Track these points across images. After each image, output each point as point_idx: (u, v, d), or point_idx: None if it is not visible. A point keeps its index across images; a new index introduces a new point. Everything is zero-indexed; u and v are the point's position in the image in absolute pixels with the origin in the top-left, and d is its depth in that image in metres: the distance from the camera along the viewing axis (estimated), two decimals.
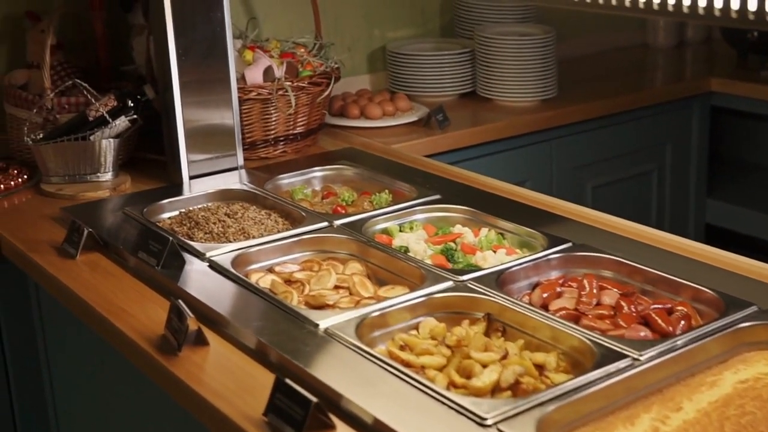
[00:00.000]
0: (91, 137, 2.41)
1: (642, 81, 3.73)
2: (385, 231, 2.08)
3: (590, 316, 1.65)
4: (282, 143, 2.67)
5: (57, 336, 2.27)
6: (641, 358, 1.45)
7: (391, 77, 3.35)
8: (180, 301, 1.61)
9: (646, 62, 3.97)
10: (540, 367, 1.51)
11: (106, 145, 2.41)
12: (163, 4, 2.32)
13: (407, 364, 1.51)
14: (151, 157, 2.64)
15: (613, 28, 4.02)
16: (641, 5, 1.44)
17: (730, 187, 3.81)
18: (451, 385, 1.46)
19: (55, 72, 2.60)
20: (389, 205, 2.22)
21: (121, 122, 2.43)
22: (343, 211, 2.20)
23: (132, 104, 2.44)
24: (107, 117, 2.41)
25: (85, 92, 2.47)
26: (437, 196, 2.21)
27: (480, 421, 1.32)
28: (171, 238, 1.87)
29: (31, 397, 2.35)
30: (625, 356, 1.46)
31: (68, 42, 2.72)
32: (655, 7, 1.44)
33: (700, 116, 3.60)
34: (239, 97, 2.51)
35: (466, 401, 1.36)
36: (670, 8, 1.40)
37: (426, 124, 3.01)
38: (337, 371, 1.48)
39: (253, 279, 1.86)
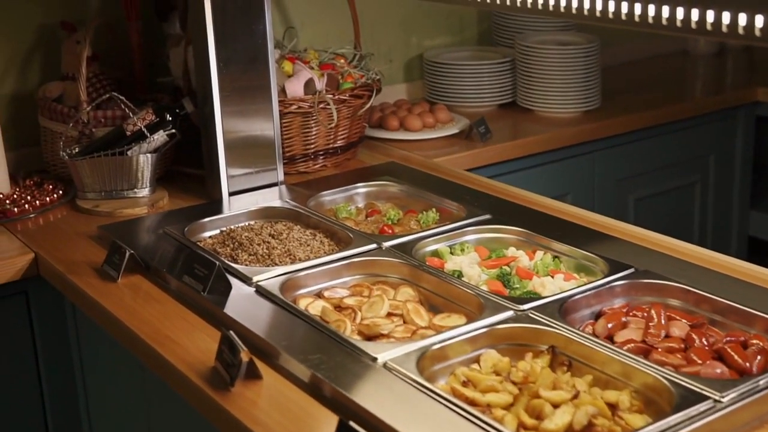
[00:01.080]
0: (129, 152, 2.34)
1: (685, 90, 3.64)
2: (435, 253, 2.01)
3: (660, 350, 1.57)
4: (322, 157, 2.60)
5: (94, 358, 2.20)
6: (723, 400, 1.37)
7: (429, 87, 3.28)
8: (231, 332, 1.54)
9: (686, 70, 3.88)
10: (612, 407, 1.43)
11: (144, 161, 2.35)
12: (204, 15, 2.25)
13: (472, 402, 1.44)
14: (187, 171, 2.57)
15: (652, 35, 3.93)
16: (679, 23, 1.38)
17: None
18: (521, 426, 1.38)
19: (91, 84, 2.53)
20: (437, 224, 2.15)
21: (160, 137, 2.37)
22: (390, 232, 2.12)
23: (170, 118, 2.37)
24: (145, 131, 2.34)
25: (122, 105, 2.41)
26: (487, 216, 2.13)
27: None
28: (218, 263, 1.80)
29: (66, 421, 2.29)
30: (705, 398, 1.38)
31: (103, 53, 2.65)
32: (694, 26, 1.37)
33: (745, 126, 3.51)
34: (279, 110, 2.44)
35: None
36: (710, 27, 1.34)
37: (467, 137, 2.93)
38: (399, 410, 1.40)
39: (302, 305, 1.79)
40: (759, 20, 1.25)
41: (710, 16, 1.30)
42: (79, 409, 2.28)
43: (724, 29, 1.30)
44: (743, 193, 3.59)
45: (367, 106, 2.62)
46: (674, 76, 3.77)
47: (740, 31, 1.27)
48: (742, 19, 1.27)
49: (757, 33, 1.26)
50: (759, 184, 3.66)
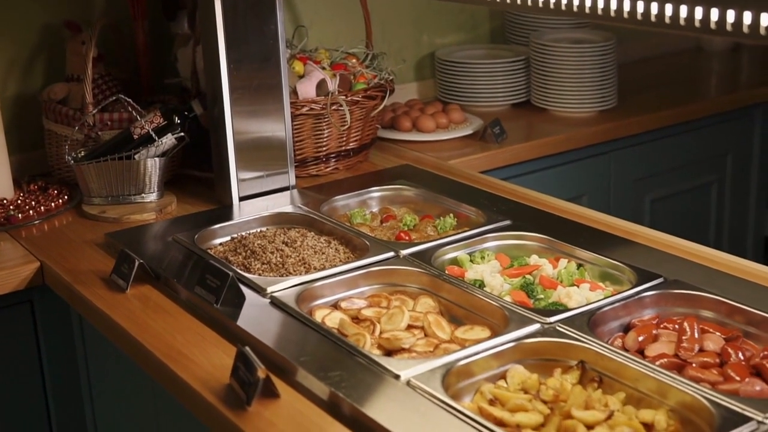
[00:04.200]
0: (136, 156, 2.27)
1: (701, 89, 3.56)
2: (455, 261, 1.94)
3: (695, 365, 1.51)
4: (334, 160, 2.53)
5: (102, 370, 2.14)
6: (767, 422, 1.30)
7: (441, 86, 3.20)
8: (247, 348, 1.47)
9: (701, 67, 3.81)
10: (648, 426, 1.36)
11: (152, 165, 2.28)
12: (215, 15, 2.18)
13: (500, 423, 1.37)
14: (195, 174, 2.50)
15: (666, 32, 3.86)
16: (697, 24, 1.33)
17: None
18: None
19: (96, 85, 2.46)
20: (455, 230, 2.09)
21: (168, 140, 2.30)
22: (407, 238, 2.05)
23: (179, 121, 2.30)
24: (153, 135, 2.27)
25: (129, 108, 2.34)
26: (507, 222, 2.06)
27: None
28: (231, 274, 1.73)
29: None
30: (748, 419, 1.31)
31: (108, 53, 2.58)
32: (713, 26, 1.31)
33: (762, 125, 3.44)
34: (291, 112, 2.37)
35: None
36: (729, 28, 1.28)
37: (482, 138, 2.86)
38: (424, 431, 1.34)
39: (319, 317, 1.72)
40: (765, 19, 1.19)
41: (730, 16, 1.24)
42: (86, 424, 2.21)
43: (746, 29, 1.24)
44: (760, 193, 3.52)
45: (381, 107, 2.55)
46: (689, 74, 3.70)
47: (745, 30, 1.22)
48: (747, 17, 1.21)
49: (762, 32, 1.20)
50: None
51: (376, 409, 1.39)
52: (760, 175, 3.49)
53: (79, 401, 2.20)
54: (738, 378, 1.45)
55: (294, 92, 2.43)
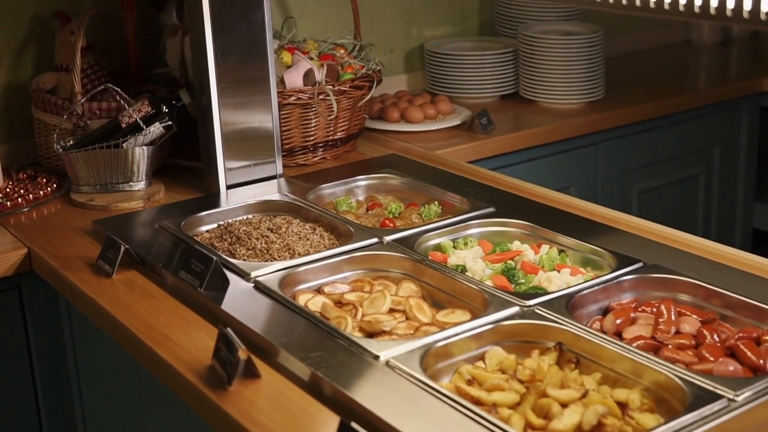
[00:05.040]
0: (124, 145, 2.29)
1: (689, 81, 3.58)
2: (438, 247, 1.96)
3: (671, 347, 1.53)
4: (321, 149, 2.55)
5: (89, 354, 2.16)
6: (737, 399, 1.33)
7: (430, 77, 3.22)
8: (229, 329, 1.49)
9: (690, 61, 3.83)
10: (622, 406, 1.38)
11: (140, 153, 2.30)
12: (202, 4, 2.20)
13: (477, 402, 1.39)
14: (184, 163, 2.52)
15: (655, 25, 3.88)
16: (681, 7, 1.34)
17: None
18: (529, 427, 1.34)
19: (85, 75, 2.48)
20: (439, 218, 2.10)
21: (156, 129, 2.32)
22: (392, 225, 2.07)
23: (167, 110, 2.32)
24: (141, 124, 2.29)
25: (118, 97, 2.36)
26: (491, 209, 2.08)
27: None
28: (215, 258, 1.75)
29: (60, 419, 2.24)
30: (719, 396, 1.33)
31: (98, 43, 2.60)
32: (697, 10, 1.33)
33: (750, 117, 3.46)
34: (278, 101, 2.38)
35: None
36: (713, 11, 1.30)
37: (469, 128, 2.88)
38: (402, 410, 1.36)
39: (302, 301, 1.74)
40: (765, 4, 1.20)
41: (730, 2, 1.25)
42: (74, 406, 2.23)
43: (729, 13, 1.26)
44: (748, 185, 3.54)
45: (368, 97, 2.57)
46: (678, 67, 3.72)
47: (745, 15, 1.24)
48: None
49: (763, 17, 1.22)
50: (764, 175, 3.61)
51: (355, 389, 1.41)
52: (747, 167, 3.51)
53: (67, 385, 2.22)
54: (712, 358, 1.48)
55: (281, 82, 2.45)
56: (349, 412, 1.37)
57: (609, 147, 3.10)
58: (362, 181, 2.34)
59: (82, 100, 2.36)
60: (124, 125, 2.30)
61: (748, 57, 3.87)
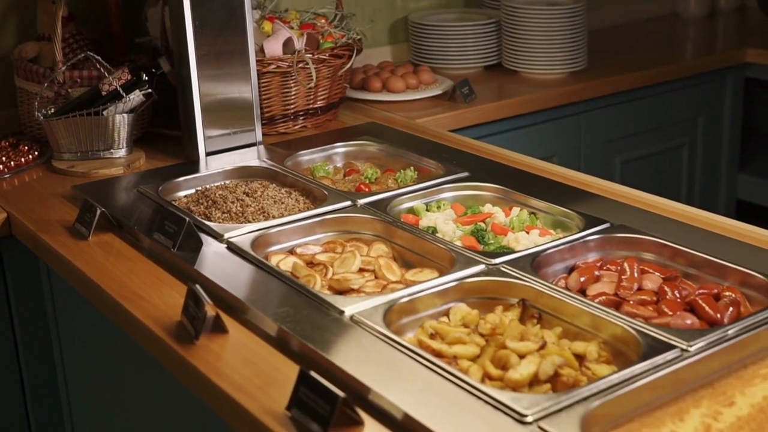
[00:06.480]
0: (104, 112, 2.32)
1: (674, 52, 3.60)
2: (411, 210, 1.98)
3: (632, 303, 1.55)
4: (302, 118, 2.57)
5: (69, 319, 2.19)
6: (690, 349, 1.36)
7: (414, 49, 3.24)
8: (197, 286, 1.52)
9: (677, 33, 3.85)
10: (580, 358, 1.41)
11: (120, 121, 2.32)
12: None
13: (438, 354, 1.42)
14: (166, 132, 2.55)
15: None
16: None
17: (763, 161, 3.69)
18: (486, 377, 1.37)
19: (67, 45, 2.50)
20: (415, 183, 2.13)
21: (136, 96, 2.34)
22: (367, 190, 2.10)
23: (146, 78, 2.34)
24: (121, 91, 2.31)
25: (98, 65, 2.38)
26: (465, 174, 2.11)
27: (519, 418, 1.23)
28: (187, 219, 1.78)
29: (43, 382, 2.28)
30: (672, 347, 1.36)
31: (80, 13, 2.62)
32: None
33: (734, 88, 3.48)
34: (258, 70, 2.41)
35: (504, 396, 1.27)
36: None
37: (450, 98, 2.90)
38: (364, 362, 1.39)
39: (274, 261, 1.77)
40: None
41: None
42: (55, 367, 2.27)
43: None
44: (732, 156, 3.56)
45: (348, 66, 2.59)
46: (664, 38, 3.74)
47: None
48: None
49: None
50: (747, 146, 3.64)
51: (318, 342, 1.44)
52: (731, 138, 3.53)
53: (48, 347, 2.26)
54: (670, 312, 1.50)
55: (261, 50, 2.47)
56: (312, 364, 1.40)
57: (591, 117, 3.13)
58: (340, 148, 2.37)
59: (63, 69, 2.38)
60: (104, 93, 2.32)
61: (734, 29, 3.88)
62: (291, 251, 1.84)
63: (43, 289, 2.21)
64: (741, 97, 3.50)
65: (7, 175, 2.30)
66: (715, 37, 3.85)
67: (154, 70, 2.36)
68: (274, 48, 2.48)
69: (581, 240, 1.75)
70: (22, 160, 2.35)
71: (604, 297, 1.58)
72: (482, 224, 1.88)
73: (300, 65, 2.47)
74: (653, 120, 3.30)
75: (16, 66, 2.50)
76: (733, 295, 1.54)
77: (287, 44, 2.50)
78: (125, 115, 2.33)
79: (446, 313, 1.57)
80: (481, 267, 1.65)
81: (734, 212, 3.63)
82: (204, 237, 1.82)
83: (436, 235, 1.83)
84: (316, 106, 2.57)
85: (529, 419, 1.22)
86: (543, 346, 1.40)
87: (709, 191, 3.54)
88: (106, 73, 2.36)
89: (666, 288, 1.58)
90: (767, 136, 3.85)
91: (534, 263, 1.66)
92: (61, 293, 2.17)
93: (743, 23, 3.93)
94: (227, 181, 2.18)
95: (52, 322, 2.23)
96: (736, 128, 3.53)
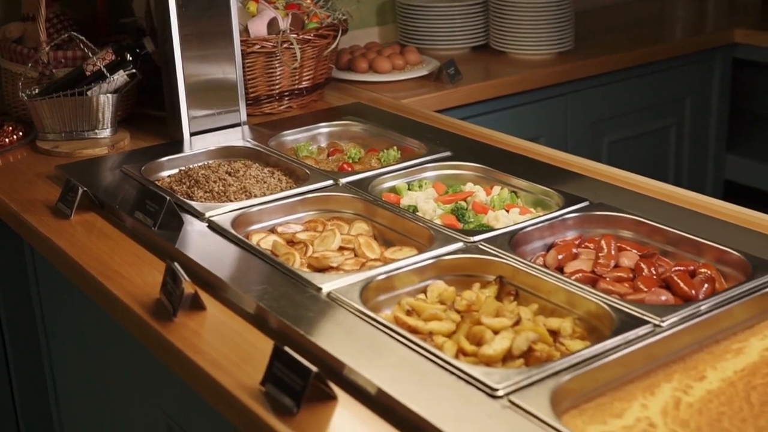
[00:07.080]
0: (89, 92, 2.32)
1: (662, 32, 3.60)
2: (393, 189, 1.99)
3: (608, 279, 1.56)
4: (287, 98, 2.57)
5: (53, 298, 2.20)
6: (662, 324, 1.37)
7: (401, 30, 3.24)
8: (176, 263, 1.53)
9: (665, 13, 3.85)
10: (555, 334, 1.42)
11: (104, 101, 2.32)
12: None
13: (414, 331, 1.43)
14: (150, 113, 2.55)
15: None
16: None
17: (750, 142, 3.69)
18: (461, 352, 1.38)
19: (51, 25, 2.50)
20: (397, 163, 2.13)
21: (120, 77, 2.34)
22: (350, 169, 2.11)
23: (131, 58, 2.34)
24: (105, 71, 2.31)
25: (82, 46, 2.38)
26: (448, 153, 2.11)
27: (491, 392, 1.24)
28: (168, 198, 1.78)
29: (28, 361, 2.29)
30: (645, 322, 1.37)
31: None
32: None
33: (722, 69, 3.48)
34: (242, 50, 2.41)
35: (476, 371, 1.28)
36: None
37: (437, 78, 2.90)
38: (340, 338, 1.40)
39: (254, 240, 1.78)
40: None
41: None
42: (40, 346, 2.28)
43: None
44: (719, 137, 3.57)
45: (333, 46, 2.59)
46: (652, 18, 3.74)
47: None
48: None
49: None
50: (735, 127, 3.64)
51: (295, 318, 1.45)
52: (718, 118, 3.54)
53: (33, 326, 2.27)
54: (646, 289, 1.51)
55: (246, 30, 2.47)
56: (289, 341, 1.41)
57: (578, 98, 3.13)
58: (324, 128, 2.37)
59: (47, 49, 2.38)
60: (88, 73, 2.32)
61: (723, 9, 3.88)
62: (272, 230, 1.85)
63: (28, 270, 2.22)
64: (729, 78, 3.51)
65: None
66: (703, 17, 3.85)
67: (138, 51, 2.36)
68: (258, 28, 2.48)
69: (560, 218, 1.76)
70: (7, 140, 2.35)
71: (580, 274, 1.59)
72: (463, 203, 1.89)
73: (285, 45, 2.48)
74: (641, 101, 3.30)
75: (0, 46, 2.50)
76: (709, 272, 1.55)
77: (272, 24, 2.50)
78: (109, 95, 2.33)
79: (424, 291, 1.58)
80: (460, 245, 1.65)
81: (722, 192, 3.64)
82: (185, 216, 1.83)
83: (417, 213, 1.84)
84: (301, 86, 2.58)
85: (500, 393, 1.23)
86: (518, 322, 1.41)
87: (697, 171, 3.55)
88: (90, 54, 2.36)
89: (642, 265, 1.59)
90: (755, 116, 3.84)
91: (512, 241, 1.67)
92: (46, 274, 2.18)
93: (732, 3, 3.93)
94: (210, 161, 2.19)
95: (36, 301, 2.24)
96: (724, 109, 3.54)
